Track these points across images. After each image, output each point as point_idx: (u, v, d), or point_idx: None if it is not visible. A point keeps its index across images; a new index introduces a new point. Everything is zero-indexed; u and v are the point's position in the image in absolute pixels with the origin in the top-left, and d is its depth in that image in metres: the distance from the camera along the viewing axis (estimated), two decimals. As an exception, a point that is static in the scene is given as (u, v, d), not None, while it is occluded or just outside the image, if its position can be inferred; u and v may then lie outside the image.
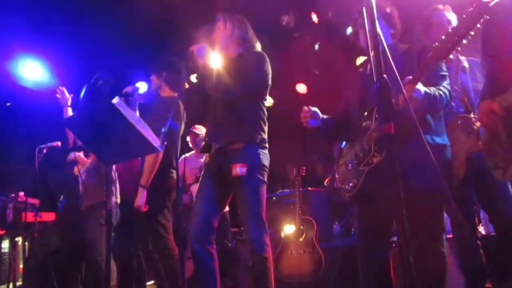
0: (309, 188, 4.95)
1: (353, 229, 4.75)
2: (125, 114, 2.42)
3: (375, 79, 1.42)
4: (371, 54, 1.46)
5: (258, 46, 3.14)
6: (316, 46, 6.27)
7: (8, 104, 7.07)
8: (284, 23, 5.69)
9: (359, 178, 2.51)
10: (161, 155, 3.30)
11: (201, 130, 4.93)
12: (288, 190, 5.24)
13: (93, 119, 2.55)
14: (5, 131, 6.98)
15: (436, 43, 2.00)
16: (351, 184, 2.59)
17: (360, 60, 5.18)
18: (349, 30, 5.64)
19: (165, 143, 2.66)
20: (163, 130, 2.75)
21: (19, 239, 5.49)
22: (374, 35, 1.44)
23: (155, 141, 2.55)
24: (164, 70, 3.71)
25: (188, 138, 5.02)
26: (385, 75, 1.42)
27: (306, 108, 2.73)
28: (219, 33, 3.07)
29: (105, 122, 2.50)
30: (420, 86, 2.19)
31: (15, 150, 6.68)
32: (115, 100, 2.44)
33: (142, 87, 6.20)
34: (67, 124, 2.64)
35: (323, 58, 6.35)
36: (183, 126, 3.63)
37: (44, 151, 4.54)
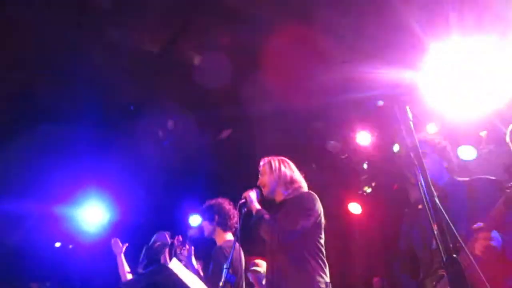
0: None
1: None
2: (182, 278, 2.40)
3: (443, 258, 1.33)
4: (434, 228, 1.38)
5: (305, 185, 3.13)
6: (365, 165, 6.24)
7: (71, 246, 7.40)
8: (330, 149, 5.78)
9: None
10: None
11: (262, 266, 4.74)
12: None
13: (151, 282, 2.55)
14: (66, 272, 7.16)
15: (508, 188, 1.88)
16: None
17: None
18: (396, 148, 5.64)
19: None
20: (220, 285, 2.68)
21: None
22: (435, 208, 1.38)
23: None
24: (215, 214, 3.74)
25: (250, 277, 4.84)
26: (455, 255, 1.32)
27: None
28: (265, 177, 3.10)
29: (163, 284, 2.49)
30: (495, 234, 2.02)
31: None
32: (172, 264, 2.45)
33: (195, 220, 6.32)
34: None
35: (373, 176, 6.27)
36: (242, 273, 3.53)
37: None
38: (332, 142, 5.65)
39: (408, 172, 2.70)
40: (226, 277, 2.77)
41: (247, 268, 4.50)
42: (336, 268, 3.04)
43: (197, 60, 4.56)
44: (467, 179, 2.51)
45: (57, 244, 7.32)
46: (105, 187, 6.35)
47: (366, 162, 6.22)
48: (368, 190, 6.50)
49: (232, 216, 3.73)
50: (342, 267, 5.15)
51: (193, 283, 2.43)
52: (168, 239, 2.65)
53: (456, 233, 1.47)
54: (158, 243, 2.61)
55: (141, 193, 6.37)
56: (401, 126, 1.71)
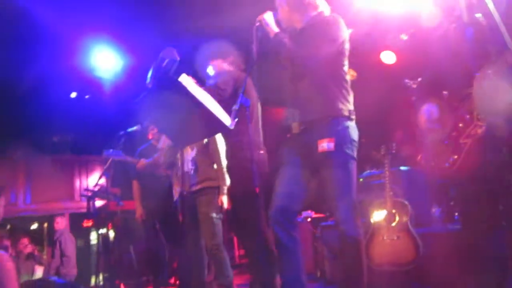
0: (401, 168, 4.68)
1: (456, 214, 4.41)
2: (193, 92, 2.44)
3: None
4: None
5: (327, 10, 3.02)
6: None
7: (87, 96, 7.65)
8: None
9: (460, 153, 2.33)
10: None
11: None
12: (376, 171, 5.01)
13: (161, 99, 2.61)
14: (85, 123, 7.51)
15: None
16: (450, 160, 2.41)
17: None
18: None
19: (236, 120, 2.62)
20: (234, 107, 2.72)
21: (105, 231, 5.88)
22: None
23: (226, 119, 2.55)
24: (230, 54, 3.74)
25: None
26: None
27: None
28: (280, 5, 2.99)
29: (173, 102, 2.55)
30: None
31: (94, 139, 7.17)
32: (182, 78, 2.47)
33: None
34: (136, 107, 2.73)
35: (412, 22, 5.94)
36: (257, 102, 3.60)
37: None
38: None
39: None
40: (241, 101, 2.81)
41: None
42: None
43: None
44: None
45: (73, 95, 7.53)
46: (118, 33, 6.30)
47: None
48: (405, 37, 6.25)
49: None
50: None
51: (204, 98, 2.48)
52: (176, 55, 2.64)
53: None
54: (167, 60, 2.61)
55: (155, 40, 6.29)
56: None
